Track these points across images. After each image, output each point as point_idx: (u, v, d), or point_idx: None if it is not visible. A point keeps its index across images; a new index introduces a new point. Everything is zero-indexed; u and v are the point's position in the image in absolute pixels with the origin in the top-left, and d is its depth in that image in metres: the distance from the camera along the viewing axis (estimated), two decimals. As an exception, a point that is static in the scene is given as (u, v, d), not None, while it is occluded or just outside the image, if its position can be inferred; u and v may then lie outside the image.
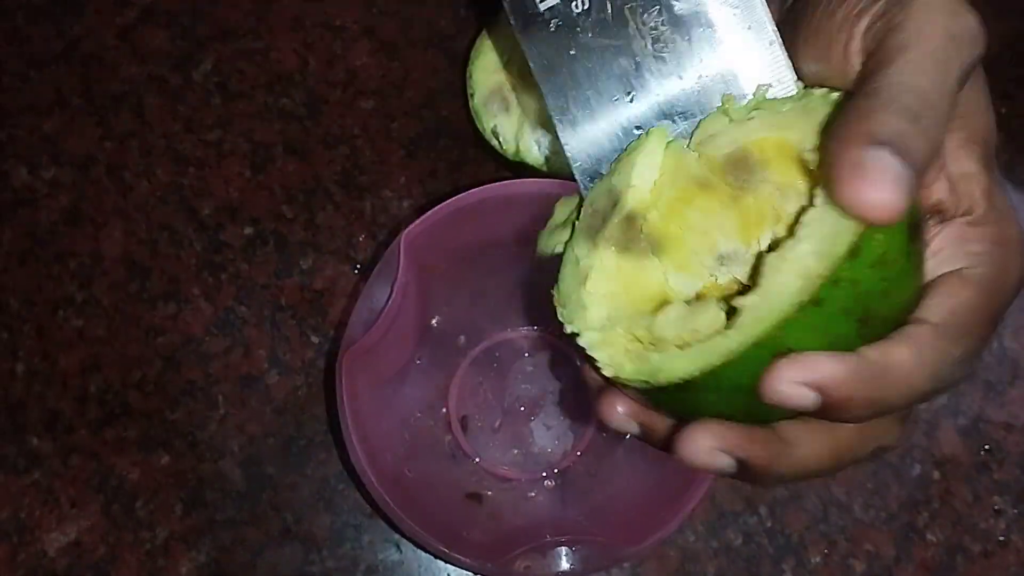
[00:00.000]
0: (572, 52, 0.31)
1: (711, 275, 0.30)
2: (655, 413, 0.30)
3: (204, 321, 0.56)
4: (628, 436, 0.47)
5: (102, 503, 0.54)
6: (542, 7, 0.31)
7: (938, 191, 0.29)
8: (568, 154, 0.32)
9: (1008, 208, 0.29)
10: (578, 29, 0.31)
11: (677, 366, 0.26)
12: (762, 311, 0.25)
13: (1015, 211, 0.29)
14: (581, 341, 0.29)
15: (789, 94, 0.30)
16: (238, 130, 0.60)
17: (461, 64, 0.61)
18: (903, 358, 0.26)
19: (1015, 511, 0.56)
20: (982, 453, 0.57)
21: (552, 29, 0.31)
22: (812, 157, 0.28)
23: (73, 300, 0.56)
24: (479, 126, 0.56)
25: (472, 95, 0.57)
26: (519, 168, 0.56)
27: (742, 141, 0.29)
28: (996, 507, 0.56)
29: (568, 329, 0.29)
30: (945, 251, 0.29)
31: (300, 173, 0.59)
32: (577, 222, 0.31)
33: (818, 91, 0.29)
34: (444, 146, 0.60)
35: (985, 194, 0.29)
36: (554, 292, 0.30)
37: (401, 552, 0.54)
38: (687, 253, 0.30)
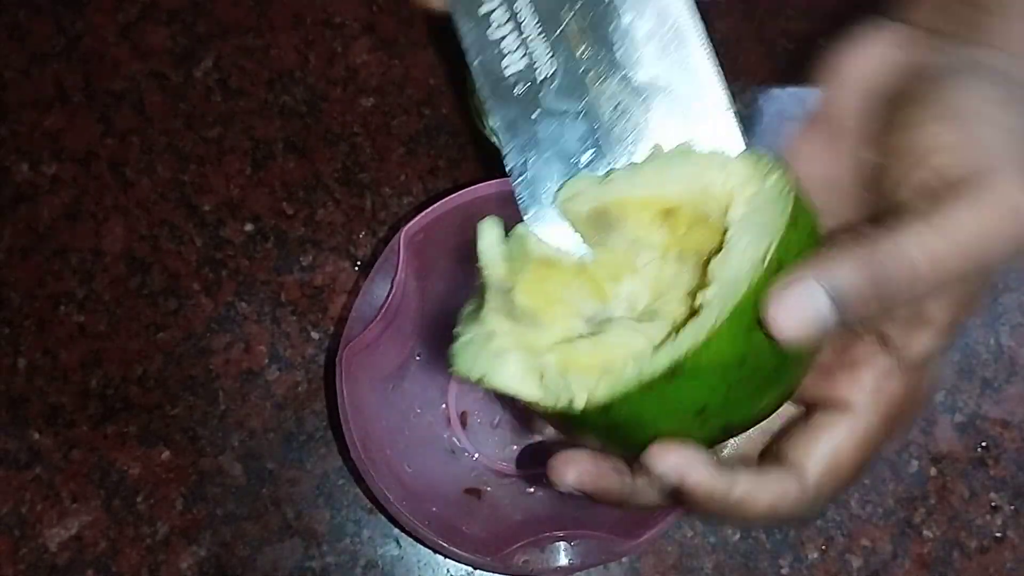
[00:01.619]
0: (533, 116, 0.33)
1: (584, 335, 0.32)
2: (604, 476, 0.31)
3: (205, 317, 0.57)
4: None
5: (103, 498, 0.54)
6: (507, 72, 0.33)
7: (893, 328, 0.30)
8: (521, 206, 0.34)
9: (937, 369, 0.30)
10: (541, 94, 0.33)
11: (595, 392, 0.28)
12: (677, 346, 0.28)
13: (939, 375, 0.31)
14: (502, 384, 0.30)
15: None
16: (239, 127, 0.60)
17: (461, 62, 0.61)
18: (763, 499, 0.29)
19: (1011, 507, 0.56)
20: (979, 450, 0.57)
21: (517, 93, 0.33)
22: (669, 210, 0.31)
23: (74, 296, 0.57)
24: (479, 123, 0.57)
25: (472, 92, 0.57)
26: (519, 165, 0.56)
27: (602, 200, 0.32)
28: (993, 503, 0.56)
29: (485, 382, 0.31)
30: (863, 377, 0.30)
31: (300, 170, 0.59)
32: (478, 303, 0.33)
33: (677, 148, 0.32)
34: (444, 143, 0.60)
35: (926, 353, 0.30)
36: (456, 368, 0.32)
37: (400, 547, 0.54)
38: (559, 323, 0.32)
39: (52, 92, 0.60)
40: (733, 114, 0.32)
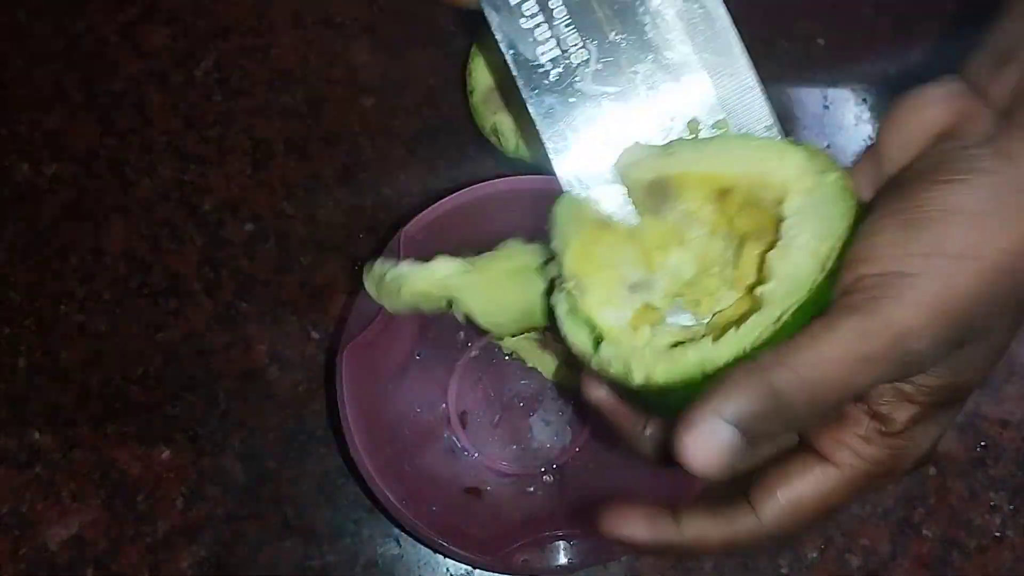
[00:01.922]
0: (571, 100, 0.34)
1: (632, 305, 0.34)
2: (622, 414, 0.34)
3: (205, 316, 0.57)
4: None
5: (103, 497, 0.54)
6: (542, 60, 0.34)
7: (880, 399, 0.31)
8: (564, 185, 0.34)
9: (929, 437, 0.32)
10: (577, 79, 0.34)
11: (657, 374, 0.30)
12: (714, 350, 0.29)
13: (936, 439, 0.32)
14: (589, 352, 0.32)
15: (768, 133, 0.34)
16: (239, 127, 0.60)
17: (461, 61, 0.61)
18: (713, 540, 0.31)
19: (1010, 507, 0.56)
20: (978, 449, 0.57)
21: (553, 79, 0.34)
22: (725, 189, 0.32)
23: (74, 295, 0.57)
24: (479, 123, 0.57)
25: (472, 92, 0.57)
26: (519, 165, 0.56)
27: (663, 171, 0.33)
28: (992, 503, 0.56)
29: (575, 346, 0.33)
30: (845, 436, 0.31)
31: (301, 170, 0.59)
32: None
33: (737, 132, 0.33)
34: (444, 143, 0.60)
35: (913, 419, 0.31)
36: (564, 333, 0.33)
37: (400, 546, 0.54)
38: (603, 289, 0.33)
39: (52, 92, 0.60)
40: (762, 92, 0.33)
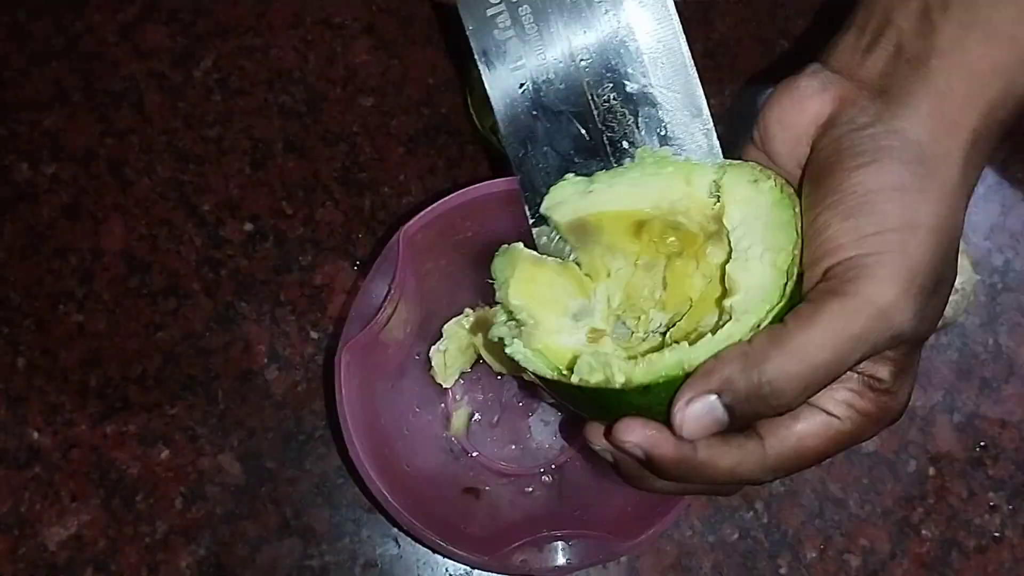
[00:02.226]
0: (534, 113, 0.36)
1: (580, 330, 0.36)
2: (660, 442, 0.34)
3: (204, 316, 0.57)
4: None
5: (102, 497, 0.54)
6: (514, 73, 0.36)
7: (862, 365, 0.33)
8: (522, 196, 0.37)
9: (908, 385, 0.34)
10: (541, 94, 0.36)
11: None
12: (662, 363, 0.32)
13: (911, 386, 0.34)
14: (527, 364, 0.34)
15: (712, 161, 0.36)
16: (238, 127, 0.60)
17: (460, 62, 0.61)
18: (724, 464, 0.33)
19: (1010, 507, 0.56)
20: (977, 450, 0.57)
21: (520, 91, 0.36)
22: (641, 222, 0.35)
23: (73, 295, 0.57)
24: (478, 123, 0.57)
25: (471, 92, 0.57)
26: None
27: (581, 212, 0.36)
28: (991, 503, 0.56)
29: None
30: (837, 395, 0.33)
31: (300, 170, 0.59)
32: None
33: (649, 161, 0.36)
34: (443, 143, 0.60)
35: (898, 375, 0.33)
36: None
37: (399, 546, 0.54)
38: (551, 319, 0.36)
39: (52, 92, 0.60)
40: (711, 127, 0.36)
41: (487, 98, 0.36)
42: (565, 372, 0.33)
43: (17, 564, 0.53)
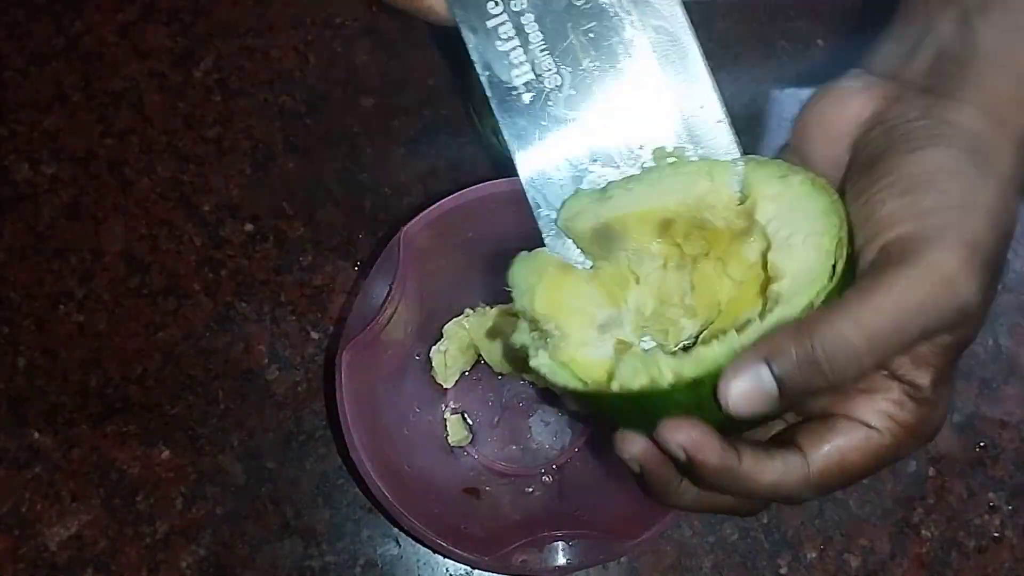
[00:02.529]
0: (543, 123, 0.34)
1: (607, 343, 0.35)
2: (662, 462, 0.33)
3: (204, 317, 0.57)
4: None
5: (103, 497, 0.54)
6: (516, 83, 0.34)
7: (904, 366, 0.32)
8: (534, 211, 0.35)
9: (946, 397, 0.32)
10: (550, 103, 0.34)
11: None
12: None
13: (948, 402, 0.33)
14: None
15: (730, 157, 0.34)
16: (238, 127, 0.60)
17: (461, 63, 0.61)
18: (766, 478, 0.31)
19: (1009, 507, 0.56)
20: (977, 450, 0.57)
21: (526, 102, 0.34)
22: (666, 221, 0.34)
23: (74, 295, 0.57)
24: (478, 125, 0.57)
25: (472, 94, 0.57)
26: (518, 165, 0.56)
27: (602, 217, 0.34)
28: (991, 503, 0.56)
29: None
30: (878, 407, 0.32)
31: (300, 170, 0.59)
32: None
33: (670, 161, 0.34)
34: (444, 144, 0.60)
35: (936, 383, 0.32)
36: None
37: (400, 546, 0.54)
38: (578, 331, 0.34)
39: (52, 92, 0.60)
40: (728, 123, 0.34)
41: (489, 106, 0.35)
42: (595, 383, 0.32)
43: (18, 564, 0.53)
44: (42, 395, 0.55)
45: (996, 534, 0.56)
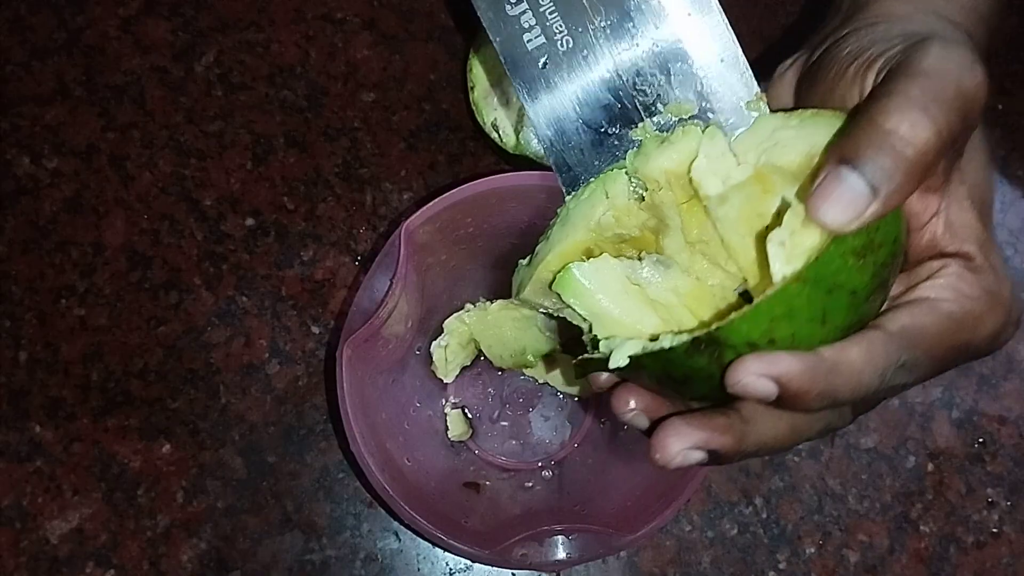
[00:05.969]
0: (558, 87, 0.34)
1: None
2: (661, 406, 0.32)
3: (205, 311, 0.57)
4: (625, 428, 0.49)
5: (104, 490, 0.54)
6: (529, 47, 0.34)
7: (933, 229, 0.32)
8: (558, 176, 0.35)
9: (1004, 268, 0.32)
10: (564, 65, 0.34)
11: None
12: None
13: (1010, 278, 0.32)
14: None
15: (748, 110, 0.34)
16: (239, 122, 0.60)
17: (461, 57, 0.61)
18: (853, 357, 0.29)
19: (1008, 503, 0.56)
20: (976, 446, 0.57)
21: (540, 66, 0.34)
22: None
23: (75, 289, 0.57)
24: (479, 119, 0.57)
25: (472, 88, 0.57)
26: (519, 161, 0.56)
27: (535, 273, 0.35)
28: (989, 499, 0.56)
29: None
30: (938, 283, 0.31)
31: (301, 165, 0.59)
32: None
33: (577, 197, 0.35)
34: (444, 139, 0.60)
35: (982, 247, 0.32)
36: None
37: (400, 540, 0.55)
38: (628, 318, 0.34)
39: (53, 86, 0.60)
40: (750, 75, 0.34)
41: (504, 68, 0.34)
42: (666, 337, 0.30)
43: (19, 557, 0.53)
44: (43, 389, 0.55)
45: (994, 530, 0.56)
